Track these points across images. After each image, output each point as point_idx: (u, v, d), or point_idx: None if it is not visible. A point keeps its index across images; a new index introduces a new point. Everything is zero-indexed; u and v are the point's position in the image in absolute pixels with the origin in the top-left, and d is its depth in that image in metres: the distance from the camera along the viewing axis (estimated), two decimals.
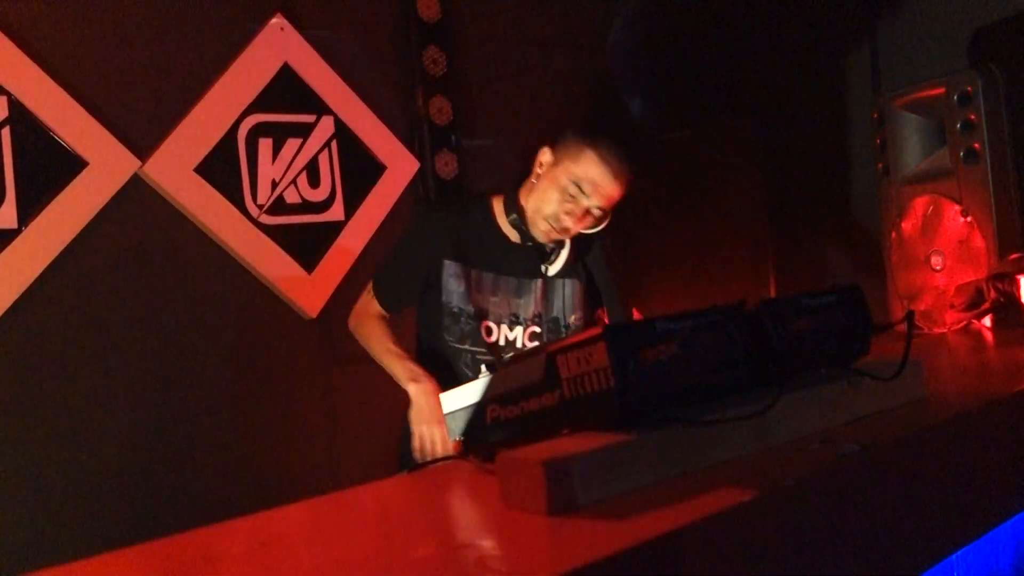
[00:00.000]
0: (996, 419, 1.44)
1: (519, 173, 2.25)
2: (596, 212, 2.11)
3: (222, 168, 3.07)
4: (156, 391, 2.89)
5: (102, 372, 2.81)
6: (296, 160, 3.25)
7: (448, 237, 2.19)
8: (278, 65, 3.22)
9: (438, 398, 2.10)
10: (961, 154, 2.63)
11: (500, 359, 2.12)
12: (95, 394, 2.79)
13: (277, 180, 3.20)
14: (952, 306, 2.48)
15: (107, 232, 2.84)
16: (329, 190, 3.32)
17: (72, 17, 2.82)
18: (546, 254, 2.19)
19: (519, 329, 2.20)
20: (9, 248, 2.67)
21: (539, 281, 2.20)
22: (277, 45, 3.22)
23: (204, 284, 3.03)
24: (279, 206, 3.20)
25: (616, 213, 2.18)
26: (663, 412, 1.11)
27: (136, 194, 2.91)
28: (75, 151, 2.80)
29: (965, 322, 2.40)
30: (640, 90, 4.22)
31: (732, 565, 0.98)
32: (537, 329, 2.20)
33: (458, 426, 1.34)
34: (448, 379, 2.18)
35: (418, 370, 2.13)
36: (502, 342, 2.19)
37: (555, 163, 2.13)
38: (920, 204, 2.77)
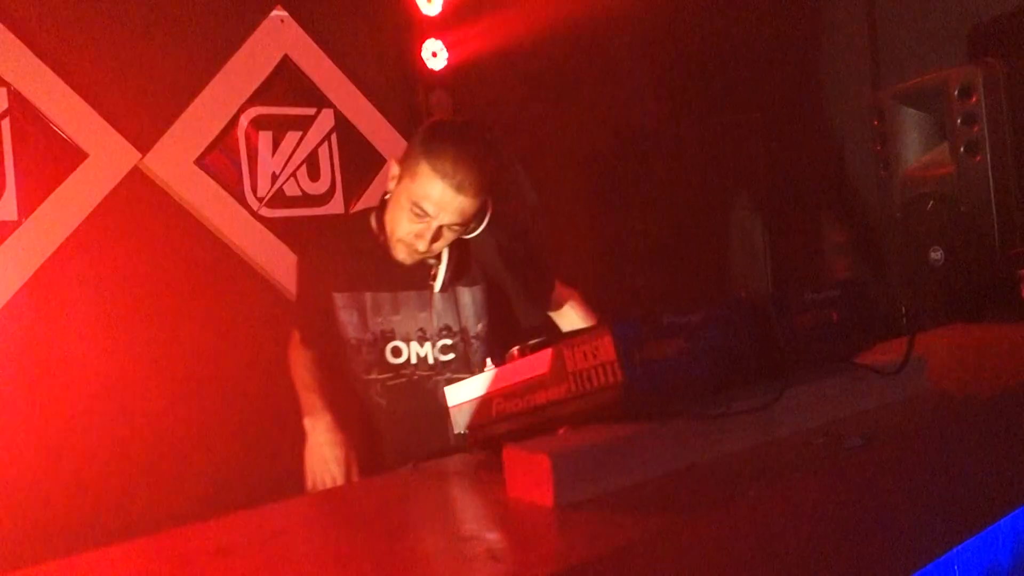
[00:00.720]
0: (998, 414, 1.44)
1: None
2: (455, 228, 1.90)
3: (222, 161, 3.07)
4: (157, 383, 2.89)
5: (102, 364, 2.81)
6: (296, 153, 3.25)
7: (331, 268, 2.05)
8: (278, 57, 3.22)
9: (330, 434, 1.96)
10: (961, 148, 2.63)
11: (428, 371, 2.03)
12: (96, 386, 2.79)
13: (277, 173, 3.20)
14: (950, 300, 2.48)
15: (107, 224, 2.84)
16: (329, 183, 3.32)
17: (72, 9, 2.81)
18: (427, 268, 2.00)
19: (428, 345, 2.05)
20: (9, 240, 2.67)
21: (442, 293, 2.03)
22: (277, 37, 3.22)
23: (204, 277, 3.03)
24: (279, 199, 3.20)
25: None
26: (669, 405, 1.12)
27: (136, 186, 2.91)
28: (75, 143, 2.80)
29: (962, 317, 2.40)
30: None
31: (738, 557, 0.98)
32: (448, 341, 2.06)
33: (463, 419, 1.34)
34: (364, 414, 2.08)
35: (316, 402, 2.01)
36: (413, 360, 2.05)
37: (400, 179, 1.92)
38: (920, 198, 2.77)
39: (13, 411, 2.66)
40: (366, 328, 2.03)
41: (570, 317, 2.31)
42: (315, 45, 3.29)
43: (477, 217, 1.92)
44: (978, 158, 2.60)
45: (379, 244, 1.99)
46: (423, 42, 3.50)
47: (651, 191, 3.90)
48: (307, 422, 2.00)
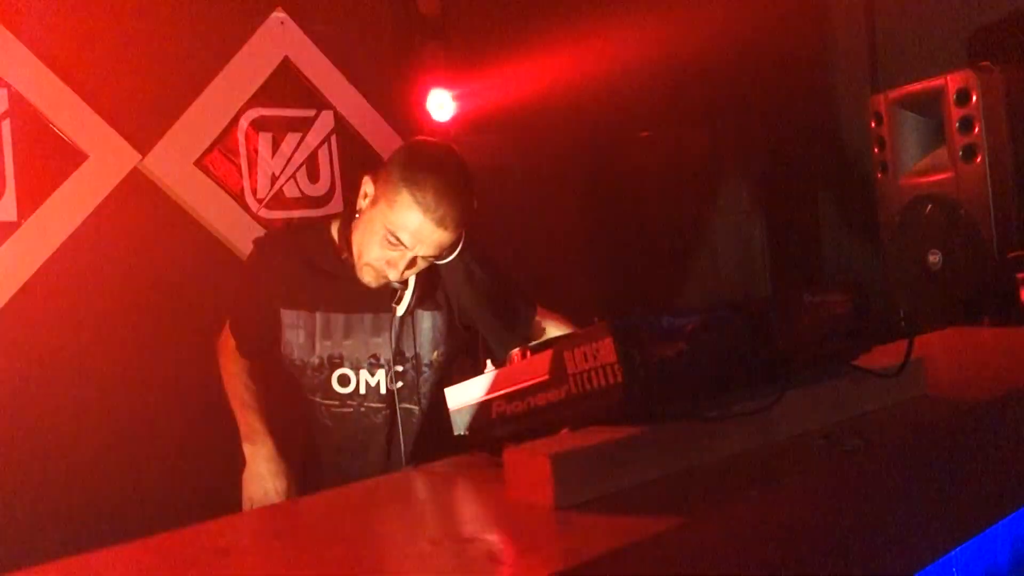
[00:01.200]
0: (996, 416, 1.44)
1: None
2: (429, 259, 1.81)
3: (222, 162, 3.07)
4: (156, 383, 2.89)
5: (102, 365, 2.81)
6: (296, 154, 3.25)
7: (281, 282, 1.91)
8: (278, 59, 3.22)
9: (273, 463, 1.87)
10: (960, 151, 2.65)
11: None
12: (95, 387, 2.79)
13: (277, 174, 3.20)
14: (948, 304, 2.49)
15: (106, 226, 2.84)
16: (328, 185, 3.33)
17: (73, 10, 2.81)
18: (392, 291, 1.86)
19: (380, 372, 1.92)
20: (8, 241, 2.67)
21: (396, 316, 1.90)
22: (277, 39, 3.22)
23: (203, 278, 3.02)
24: (279, 200, 3.20)
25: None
26: (669, 407, 1.12)
27: (136, 188, 2.91)
28: (75, 144, 2.79)
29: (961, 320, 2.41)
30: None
31: (738, 558, 0.99)
32: (400, 368, 1.92)
33: (464, 421, 1.34)
34: (312, 433, 1.99)
35: (257, 427, 1.90)
36: (362, 390, 1.93)
37: (373, 201, 1.78)
38: (918, 202, 2.78)
39: (12, 412, 2.66)
40: (312, 351, 1.91)
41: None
42: (315, 47, 3.30)
43: (451, 246, 1.82)
44: (976, 162, 2.61)
45: (338, 260, 1.87)
46: (423, 44, 3.50)
47: (649, 193, 3.91)
48: (248, 448, 1.89)
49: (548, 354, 1.16)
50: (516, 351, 1.23)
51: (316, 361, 1.92)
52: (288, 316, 1.91)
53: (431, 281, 1.93)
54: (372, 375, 1.93)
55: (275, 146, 3.20)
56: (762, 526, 1.02)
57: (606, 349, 1.06)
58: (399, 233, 1.74)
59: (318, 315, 1.90)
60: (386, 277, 1.82)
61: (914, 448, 1.27)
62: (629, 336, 1.06)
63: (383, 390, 1.94)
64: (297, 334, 1.90)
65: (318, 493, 1.21)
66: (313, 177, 3.29)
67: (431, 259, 1.82)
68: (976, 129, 2.62)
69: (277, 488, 1.87)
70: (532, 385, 1.19)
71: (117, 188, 2.86)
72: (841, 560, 1.12)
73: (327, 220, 1.97)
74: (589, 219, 4.07)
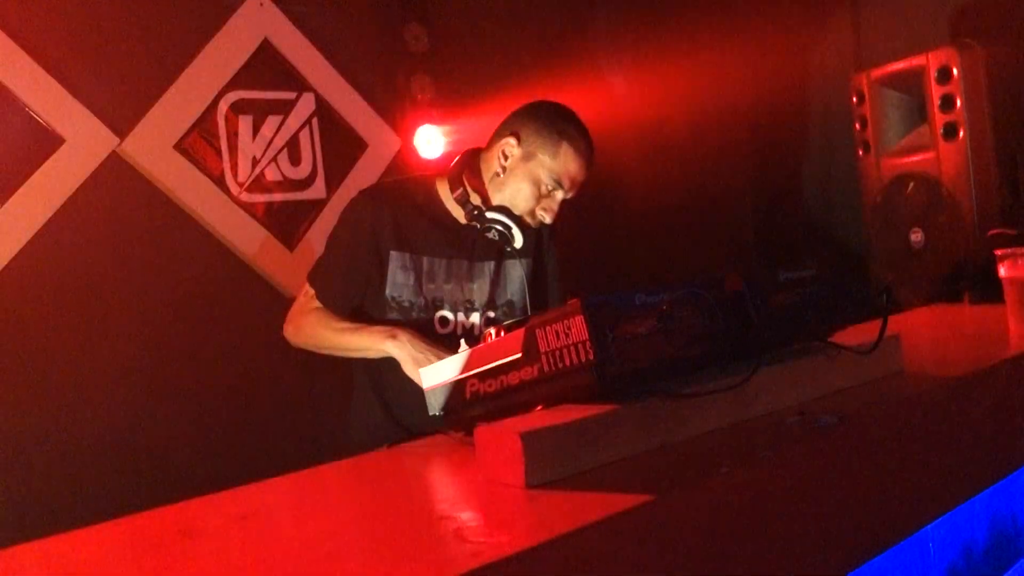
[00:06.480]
0: (972, 392, 1.45)
1: (465, 156, 2.09)
2: (568, 199, 2.05)
3: (201, 145, 3.04)
4: (135, 369, 2.88)
5: (81, 350, 2.79)
6: (276, 137, 3.22)
7: (392, 226, 2.02)
8: (258, 41, 3.18)
9: (422, 338, 1.91)
10: (941, 130, 2.65)
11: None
12: (74, 372, 2.77)
13: (258, 157, 3.17)
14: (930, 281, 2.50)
15: (85, 210, 2.81)
16: (310, 168, 3.30)
17: None
18: (499, 239, 2.03)
19: (475, 315, 2.08)
20: None
21: (492, 263, 2.08)
22: (257, 20, 3.18)
23: (184, 263, 3.01)
24: (260, 184, 3.17)
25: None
26: (642, 385, 1.12)
27: (114, 172, 2.87)
28: (52, 128, 2.76)
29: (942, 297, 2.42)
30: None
31: (709, 535, 0.99)
32: (492, 314, 2.09)
33: (438, 401, 1.34)
34: (396, 379, 2.00)
35: (386, 328, 1.95)
36: (459, 331, 2.05)
37: (526, 157, 2.00)
38: (900, 180, 2.78)
39: None
40: (420, 292, 2.04)
41: None
42: (295, 28, 3.26)
43: None
44: (957, 140, 2.61)
45: (443, 210, 2.06)
46: (404, 25, 3.47)
47: (634, 177, 3.90)
48: (392, 346, 1.91)
49: (521, 332, 1.16)
50: (490, 330, 1.23)
51: (422, 302, 2.05)
52: (398, 258, 2.03)
53: (533, 232, 2.11)
54: (468, 318, 2.08)
55: (255, 129, 3.17)
56: (736, 503, 1.02)
57: (578, 327, 1.06)
58: (562, 179, 1.98)
59: (424, 259, 2.04)
60: (536, 224, 2.04)
61: (889, 424, 1.28)
62: (600, 314, 1.06)
63: (477, 332, 2.07)
64: (408, 276, 2.03)
65: (288, 474, 1.20)
66: (295, 160, 3.27)
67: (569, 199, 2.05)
68: (957, 107, 2.62)
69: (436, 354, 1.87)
70: (505, 364, 1.18)
71: (95, 172, 2.83)
72: (816, 535, 1.12)
73: (429, 178, 2.13)
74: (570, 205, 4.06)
